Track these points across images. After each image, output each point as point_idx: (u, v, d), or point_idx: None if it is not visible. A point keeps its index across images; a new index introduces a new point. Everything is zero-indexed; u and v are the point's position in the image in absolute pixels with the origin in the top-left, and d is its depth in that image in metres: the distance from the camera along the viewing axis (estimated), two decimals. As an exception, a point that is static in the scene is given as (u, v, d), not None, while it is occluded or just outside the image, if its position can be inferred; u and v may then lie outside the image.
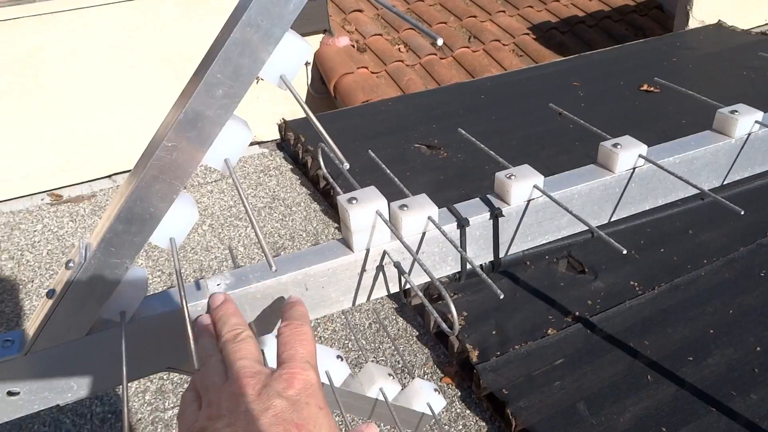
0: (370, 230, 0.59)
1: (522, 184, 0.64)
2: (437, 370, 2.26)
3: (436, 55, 4.83)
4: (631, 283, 2.37)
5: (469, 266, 0.67)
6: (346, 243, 0.61)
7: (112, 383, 0.57)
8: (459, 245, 0.64)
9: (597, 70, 3.83)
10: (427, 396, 0.77)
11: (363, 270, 0.61)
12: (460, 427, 2.02)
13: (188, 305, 0.56)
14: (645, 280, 2.37)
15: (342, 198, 0.59)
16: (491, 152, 0.71)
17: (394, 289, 0.64)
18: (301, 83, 3.72)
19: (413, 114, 3.59)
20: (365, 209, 0.58)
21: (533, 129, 3.30)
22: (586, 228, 0.73)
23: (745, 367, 2.01)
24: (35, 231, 2.96)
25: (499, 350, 2.13)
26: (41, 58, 2.84)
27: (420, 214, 0.61)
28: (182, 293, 0.48)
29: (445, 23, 5.14)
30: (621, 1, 5.36)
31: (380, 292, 0.64)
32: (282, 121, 3.50)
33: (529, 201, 0.65)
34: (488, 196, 0.66)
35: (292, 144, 3.41)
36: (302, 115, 3.62)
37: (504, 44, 4.93)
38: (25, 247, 2.86)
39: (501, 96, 3.65)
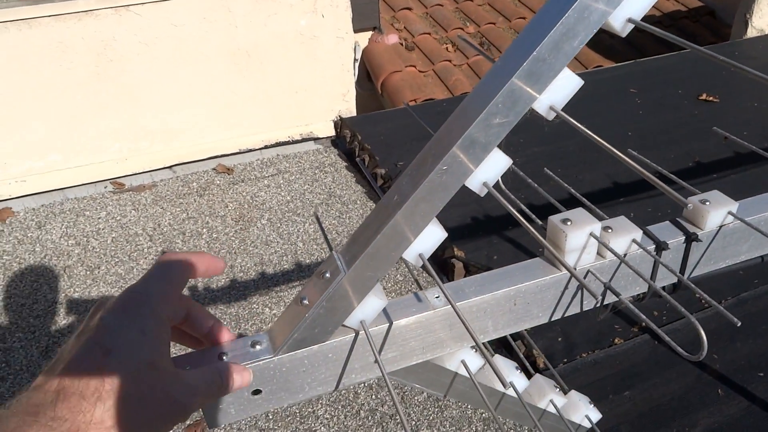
0: (581, 251, 0.61)
1: (717, 211, 0.65)
2: (500, 373, 2.27)
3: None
4: (697, 296, 2.35)
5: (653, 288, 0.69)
6: (552, 261, 0.63)
7: (335, 386, 0.60)
8: (652, 267, 0.66)
9: (653, 77, 3.80)
10: (585, 409, 0.79)
11: (565, 288, 0.63)
12: None
13: (414, 316, 0.59)
14: (711, 293, 2.36)
15: (555, 218, 0.61)
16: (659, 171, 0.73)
17: (587, 306, 0.66)
18: (348, 80, 3.72)
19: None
20: (580, 230, 0.60)
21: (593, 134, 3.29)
22: (760, 255, 0.74)
23: (817, 384, 1.99)
24: (99, 218, 3.03)
25: (566, 357, 2.14)
26: (114, 49, 2.90)
27: (625, 236, 0.63)
28: (446, 296, 0.50)
29: (494, 24, 5.13)
30: (672, 6, 5.31)
31: (574, 309, 0.66)
32: (338, 117, 3.53)
33: (721, 226, 0.67)
34: (678, 219, 0.68)
35: (348, 141, 3.44)
36: (356, 113, 3.65)
37: (553, 47, 4.91)
38: (91, 233, 2.93)
39: (556, 100, 3.64)
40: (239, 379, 0.53)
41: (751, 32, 4.14)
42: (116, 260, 2.77)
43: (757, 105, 3.43)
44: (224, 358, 0.54)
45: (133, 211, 3.06)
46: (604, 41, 4.96)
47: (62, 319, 2.46)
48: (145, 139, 3.21)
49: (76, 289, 2.62)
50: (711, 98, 3.50)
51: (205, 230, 2.92)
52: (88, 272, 2.71)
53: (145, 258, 2.76)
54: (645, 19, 0.48)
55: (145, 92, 3.09)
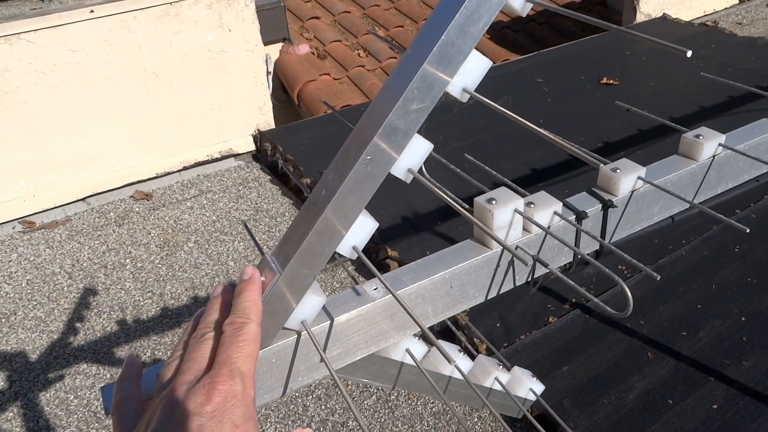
0: (507, 227, 0.63)
1: (628, 177, 0.69)
2: (445, 366, 2.31)
3: (395, 58, 4.89)
4: (619, 267, 2.48)
5: (578, 256, 0.72)
6: (482, 241, 0.65)
7: (282, 392, 0.59)
8: (575, 237, 0.69)
9: (557, 66, 3.99)
10: (529, 382, 0.81)
11: (497, 265, 0.65)
12: (476, 419, 2.08)
13: (355, 310, 0.59)
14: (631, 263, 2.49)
15: (480, 199, 0.63)
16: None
17: (519, 282, 0.69)
18: (263, 93, 3.68)
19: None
20: (505, 208, 0.62)
21: (504, 127, 3.41)
22: (670, 215, 0.79)
23: (734, 336, 2.15)
24: (10, 261, 2.84)
25: (506, 341, 2.20)
26: (9, 80, 2.73)
27: (547, 210, 0.65)
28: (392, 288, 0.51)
29: (402, 26, 5.22)
30: (566, -1, 5.58)
31: (508, 285, 0.68)
32: (257, 131, 3.48)
33: (633, 191, 0.71)
34: (594, 189, 0.71)
35: (270, 154, 3.40)
36: (274, 125, 3.61)
37: (461, 45, 5.04)
38: (2, 278, 2.75)
39: (469, 96, 3.74)
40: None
41: (640, 17, 4.42)
42: (34, 303, 2.61)
43: (653, 84, 3.66)
44: None
45: (47, 250, 2.90)
46: (508, 36, 5.15)
47: (-20, 373, 2.29)
48: (53, 172, 3.05)
49: (-8, 339, 2.44)
50: (612, 81, 3.70)
51: (128, 260, 2.80)
52: (3, 319, 2.53)
53: (66, 297, 2.61)
54: (542, 11, 0.50)
55: (48, 123, 2.93)
